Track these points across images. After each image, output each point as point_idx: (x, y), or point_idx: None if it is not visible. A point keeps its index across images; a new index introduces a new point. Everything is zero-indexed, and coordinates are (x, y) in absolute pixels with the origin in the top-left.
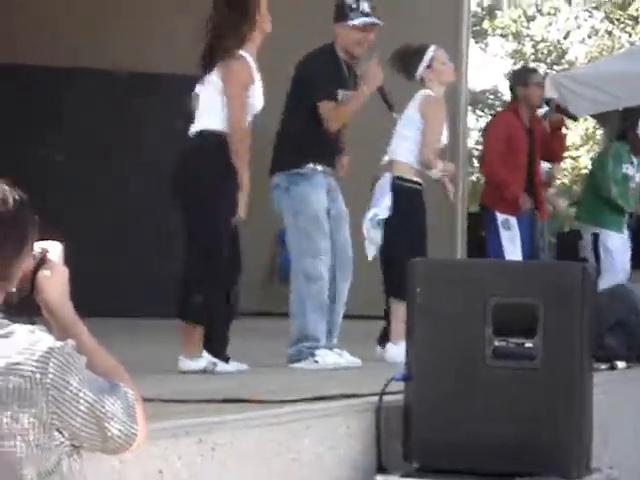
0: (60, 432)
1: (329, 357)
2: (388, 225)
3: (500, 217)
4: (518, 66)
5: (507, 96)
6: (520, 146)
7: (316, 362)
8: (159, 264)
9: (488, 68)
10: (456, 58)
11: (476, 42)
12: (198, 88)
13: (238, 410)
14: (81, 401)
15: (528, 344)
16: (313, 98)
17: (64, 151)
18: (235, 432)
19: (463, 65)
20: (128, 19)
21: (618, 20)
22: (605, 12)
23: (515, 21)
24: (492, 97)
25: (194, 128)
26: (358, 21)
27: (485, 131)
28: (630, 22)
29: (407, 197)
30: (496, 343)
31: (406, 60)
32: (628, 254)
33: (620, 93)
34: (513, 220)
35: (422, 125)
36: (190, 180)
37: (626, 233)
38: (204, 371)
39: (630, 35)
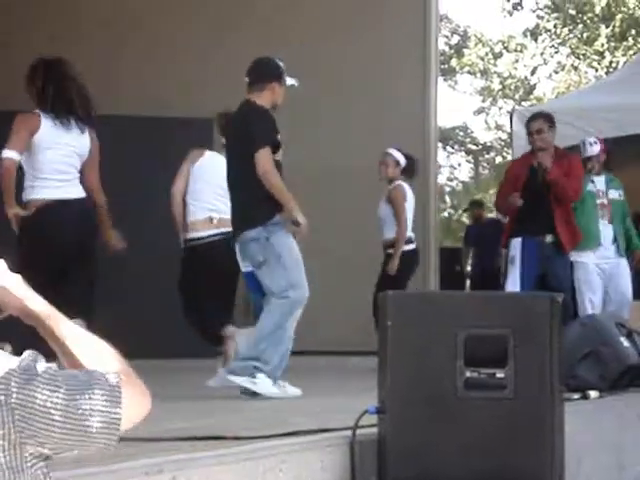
0: (41, 448)
1: (267, 384)
2: None
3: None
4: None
5: (476, 132)
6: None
7: (254, 383)
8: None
9: (458, 105)
10: (425, 96)
11: (445, 80)
12: None
13: (212, 447)
14: (52, 411)
15: (499, 374)
16: (262, 145)
17: None
18: (209, 469)
19: (432, 103)
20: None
21: (584, 55)
22: (571, 48)
23: (482, 58)
24: (462, 134)
25: None
26: (291, 81)
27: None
28: (596, 57)
29: None
30: (467, 374)
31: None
32: None
33: (587, 127)
34: (517, 257)
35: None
36: None
37: None
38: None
39: (596, 70)
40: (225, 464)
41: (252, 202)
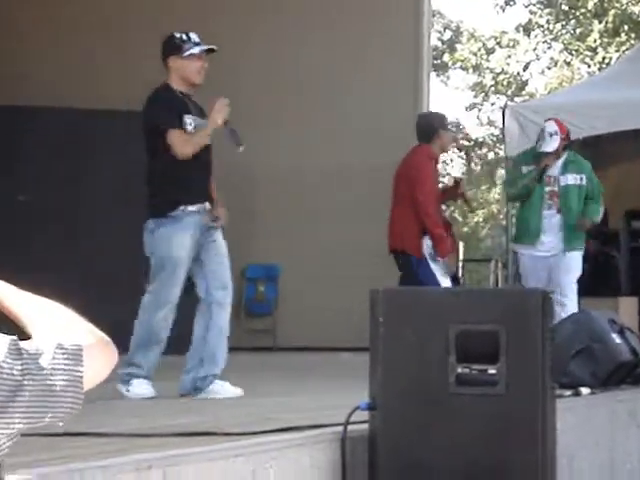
0: (11, 421)
1: (140, 388)
2: None
3: (426, 250)
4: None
5: (468, 128)
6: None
7: (127, 391)
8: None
9: (450, 101)
10: (417, 91)
11: (437, 75)
12: None
13: (203, 443)
14: (17, 377)
15: (491, 370)
16: (160, 132)
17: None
18: (200, 465)
19: (424, 98)
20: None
21: (577, 51)
22: (563, 43)
23: (475, 54)
24: (454, 129)
25: None
26: (195, 50)
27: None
28: (589, 53)
29: None
30: (459, 370)
31: None
32: None
33: (580, 123)
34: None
35: None
36: None
37: None
38: None
39: (589, 66)
40: (215, 460)
41: (151, 193)
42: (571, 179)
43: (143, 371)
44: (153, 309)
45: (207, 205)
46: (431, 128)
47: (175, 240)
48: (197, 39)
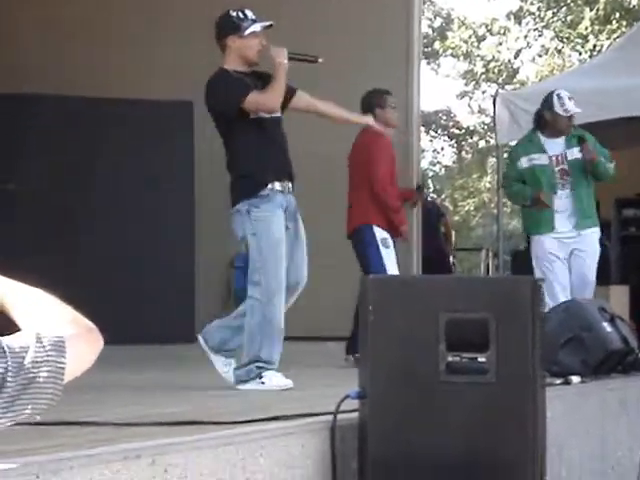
0: None
1: (276, 379)
2: None
3: (379, 234)
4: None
5: (459, 116)
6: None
7: (262, 383)
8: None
9: (441, 89)
10: (407, 79)
11: (428, 63)
12: None
13: (192, 432)
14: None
15: (481, 359)
16: (233, 106)
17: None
18: (189, 453)
19: (415, 86)
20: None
21: (568, 39)
22: (554, 31)
23: (466, 41)
24: (445, 118)
25: None
26: (255, 27)
27: (361, 149)
28: (579, 40)
29: None
30: (449, 358)
31: None
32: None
33: None
34: (390, 240)
35: None
36: None
37: None
38: None
39: (580, 53)
40: (204, 449)
41: (237, 176)
42: (577, 152)
43: (273, 365)
44: (266, 300)
45: (290, 185)
46: (369, 106)
47: (274, 219)
48: (253, 16)
